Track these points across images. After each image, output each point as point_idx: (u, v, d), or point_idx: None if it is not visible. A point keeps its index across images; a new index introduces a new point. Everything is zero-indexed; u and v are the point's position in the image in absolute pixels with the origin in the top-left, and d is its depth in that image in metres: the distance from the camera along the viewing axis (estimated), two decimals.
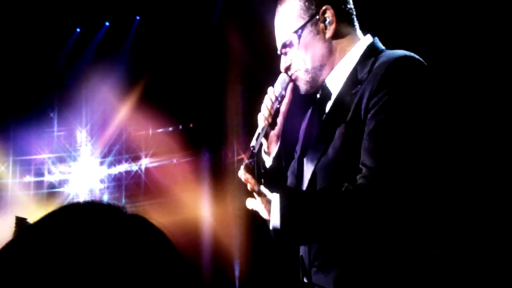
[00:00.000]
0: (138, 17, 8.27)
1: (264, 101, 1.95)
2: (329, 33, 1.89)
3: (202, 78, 7.61)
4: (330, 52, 1.91)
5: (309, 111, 2.06)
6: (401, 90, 1.69)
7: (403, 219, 1.66)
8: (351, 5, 1.96)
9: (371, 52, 1.87)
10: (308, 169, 1.85)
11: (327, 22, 1.89)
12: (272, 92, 1.94)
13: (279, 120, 1.95)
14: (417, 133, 1.66)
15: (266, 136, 1.95)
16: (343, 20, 1.91)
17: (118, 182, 8.60)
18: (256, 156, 1.89)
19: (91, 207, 0.77)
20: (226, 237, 7.21)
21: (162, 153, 8.18)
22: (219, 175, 7.37)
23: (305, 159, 1.90)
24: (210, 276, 7.21)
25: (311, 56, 1.90)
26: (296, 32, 1.90)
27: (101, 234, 0.73)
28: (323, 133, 1.85)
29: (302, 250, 1.88)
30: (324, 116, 1.91)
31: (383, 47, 1.91)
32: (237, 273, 7.11)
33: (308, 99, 2.05)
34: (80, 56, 8.57)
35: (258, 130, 1.90)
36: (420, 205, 1.69)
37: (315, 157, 1.83)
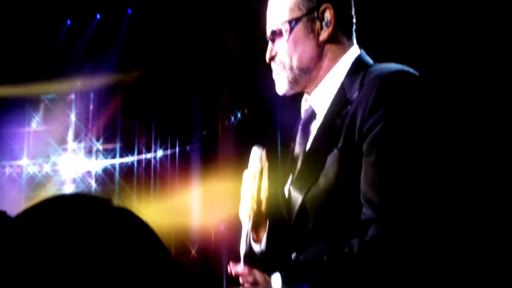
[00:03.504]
0: (130, 10, 8.24)
1: (241, 191, 1.75)
2: (323, 35, 1.74)
3: (195, 72, 7.60)
4: (320, 57, 1.75)
5: (299, 130, 1.85)
6: (398, 112, 1.53)
7: (420, 254, 1.49)
8: (353, 13, 1.81)
9: (359, 66, 1.72)
10: (297, 199, 1.67)
11: (324, 22, 1.74)
12: (249, 177, 1.74)
13: (262, 196, 1.72)
14: (422, 161, 1.51)
15: (254, 227, 1.74)
16: (342, 26, 1.76)
17: (109, 175, 8.58)
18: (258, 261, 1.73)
19: (77, 199, 0.76)
20: (215, 233, 7.21)
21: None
22: (209, 170, 7.37)
23: (291, 187, 1.71)
24: (198, 272, 7.20)
25: (299, 54, 1.75)
26: (289, 22, 1.74)
27: (85, 226, 0.73)
28: (312, 159, 1.68)
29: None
30: (312, 139, 1.74)
31: (371, 61, 1.76)
32: (224, 268, 7.11)
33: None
34: (71, 48, 8.53)
35: (244, 232, 1.71)
36: (435, 235, 1.52)
37: (304, 186, 1.65)
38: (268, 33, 1.80)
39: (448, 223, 1.54)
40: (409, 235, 1.46)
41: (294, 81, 1.77)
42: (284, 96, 1.83)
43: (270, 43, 1.81)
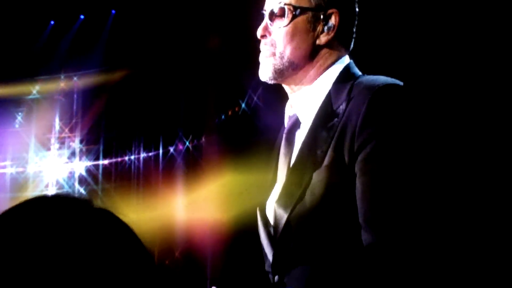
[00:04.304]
0: (113, 11, 8.21)
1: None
2: (322, 39, 1.68)
3: (180, 73, 7.59)
4: (312, 59, 1.69)
5: (277, 143, 1.80)
6: (391, 128, 1.48)
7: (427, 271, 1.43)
8: (355, 28, 1.75)
9: (347, 76, 1.66)
10: (281, 218, 1.58)
11: (327, 26, 1.68)
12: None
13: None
14: (422, 179, 1.46)
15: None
16: (341, 37, 1.71)
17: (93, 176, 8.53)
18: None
19: (58, 200, 0.76)
20: (199, 235, 7.19)
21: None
22: (194, 172, 7.36)
23: (275, 205, 1.62)
24: (181, 273, 7.19)
25: (293, 47, 1.67)
26: (294, 8, 1.66)
27: (66, 227, 0.73)
28: (297, 175, 1.60)
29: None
30: (297, 153, 1.65)
31: (359, 72, 1.70)
32: (209, 270, 7.10)
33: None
34: (54, 48, 8.48)
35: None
36: (440, 257, 1.47)
37: (288, 203, 1.57)
38: (268, 9, 1.71)
39: (452, 243, 1.50)
40: (415, 259, 1.40)
41: (279, 72, 1.69)
42: (268, 99, 1.80)
43: (266, 19, 1.72)
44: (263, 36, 1.72)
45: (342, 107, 1.57)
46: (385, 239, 1.42)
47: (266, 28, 1.71)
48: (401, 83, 1.59)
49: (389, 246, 1.41)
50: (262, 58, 1.72)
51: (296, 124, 1.71)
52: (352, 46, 1.77)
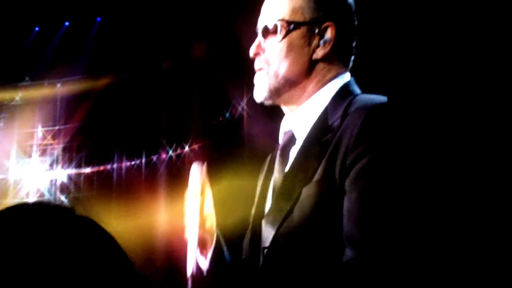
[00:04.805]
0: (99, 18, 8.20)
1: (184, 210, 1.69)
2: (318, 53, 1.60)
3: (164, 81, 7.60)
4: (308, 75, 1.61)
5: (269, 157, 1.77)
6: (384, 147, 1.43)
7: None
8: (354, 44, 1.67)
9: (345, 93, 1.59)
10: (268, 233, 1.53)
11: (323, 40, 1.60)
12: (191, 195, 1.67)
13: (206, 212, 1.67)
14: (408, 200, 1.42)
15: (200, 243, 1.67)
16: (339, 50, 1.63)
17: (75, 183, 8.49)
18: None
19: (39, 208, 0.76)
20: (180, 245, 7.16)
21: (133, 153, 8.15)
22: (176, 177, 7.35)
23: (263, 220, 1.57)
24: (162, 280, 7.16)
25: (288, 63, 1.60)
26: (288, 23, 1.59)
27: (47, 234, 0.72)
28: (287, 189, 1.54)
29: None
30: (288, 167, 1.60)
31: (359, 91, 1.63)
32: (190, 282, 7.07)
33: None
34: (38, 55, 8.46)
35: (190, 250, 1.66)
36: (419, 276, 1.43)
37: (277, 218, 1.52)
38: (261, 26, 1.65)
39: (432, 264, 1.45)
40: (392, 277, 1.36)
41: (275, 91, 1.61)
42: (252, 109, 1.76)
43: (260, 37, 1.65)
44: (256, 54, 1.64)
45: (337, 123, 1.52)
46: (363, 256, 1.37)
47: (259, 46, 1.64)
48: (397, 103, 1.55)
49: (367, 263, 1.37)
50: (256, 78, 1.65)
51: (291, 140, 1.64)
52: (351, 62, 1.69)
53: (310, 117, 1.59)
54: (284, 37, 1.59)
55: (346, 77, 1.65)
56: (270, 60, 1.61)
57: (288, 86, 1.61)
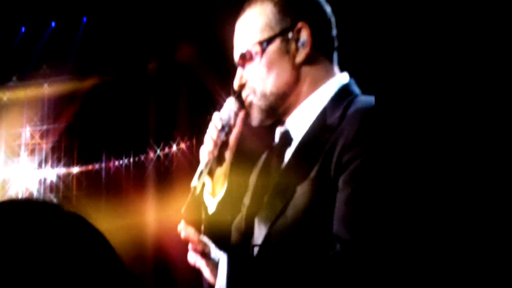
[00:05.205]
0: (85, 19, 8.16)
1: (208, 130, 1.63)
2: (300, 57, 1.57)
3: (152, 80, 7.57)
4: (297, 81, 1.59)
5: (264, 155, 1.75)
6: (378, 151, 1.37)
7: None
8: (334, 32, 1.64)
9: (345, 94, 1.58)
10: (261, 231, 1.52)
11: (300, 43, 1.57)
12: (218, 120, 1.61)
13: (227, 155, 1.62)
14: (399, 202, 1.36)
15: (211, 174, 1.62)
16: (320, 47, 1.61)
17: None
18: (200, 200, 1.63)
19: (28, 204, 0.77)
20: (171, 242, 7.16)
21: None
22: (164, 176, 7.33)
23: (256, 218, 1.56)
24: (151, 279, 7.14)
25: (274, 79, 1.57)
26: (260, 44, 1.57)
27: (35, 231, 0.73)
28: (282, 187, 1.53)
29: None
30: (284, 165, 1.59)
31: (359, 92, 1.61)
32: (179, 281, 7.07)
33: (267, 132, 1.74)
34: (25, 55, 8.40)
35: (201, 167, 1.59)
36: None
37: (270, 216, 1.51)
38: (237, 57, 1.63)
39: (419, 265, 1.44)
40: (375, 275, 1.34)
41: (269, 109, 1.60)
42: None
43: (239, 69, 1.63)
44: (241, 86, 1.63)
45: (336, 123, 1.51)
46: (346, 253, 1.38)
47: (241, 78, 1.62)
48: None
49: (349, 259, 1.38)
50: (246, 106, 1.63)
51: (287, 139, 1.63)
52: (336, 54, 1.66)
53: (307, 117, 1.58)
54: (261, 58, 1.57)
55: (344, 78, 1.63)
56: (255, 85, 1.60)
57: (280, 100, 1.59)
